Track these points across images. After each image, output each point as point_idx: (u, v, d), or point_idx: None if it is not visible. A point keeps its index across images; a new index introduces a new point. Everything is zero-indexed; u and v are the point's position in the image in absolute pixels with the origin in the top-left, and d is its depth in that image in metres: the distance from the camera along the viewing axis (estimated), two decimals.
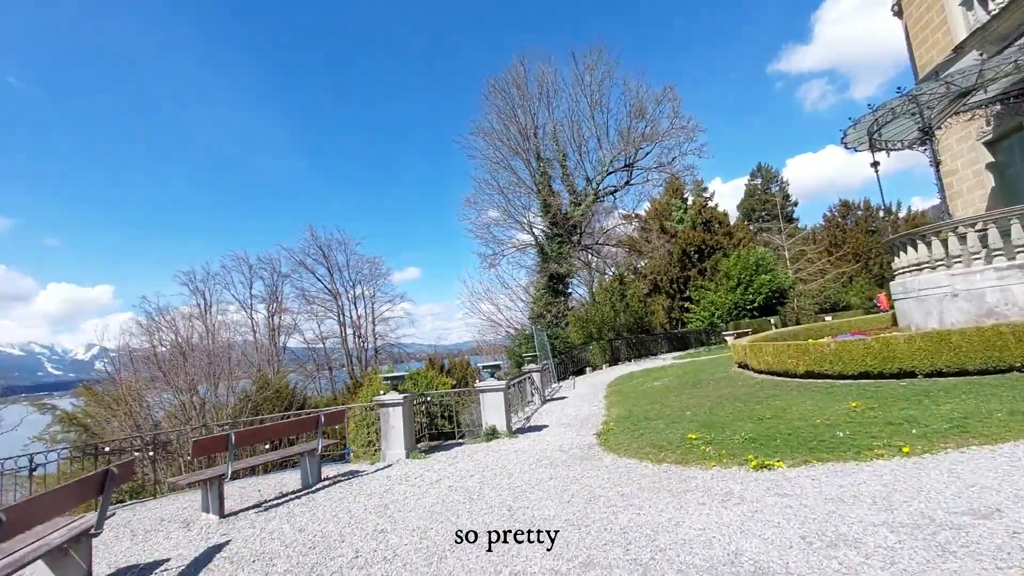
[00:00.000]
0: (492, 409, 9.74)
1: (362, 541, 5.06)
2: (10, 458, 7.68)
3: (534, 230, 27.70)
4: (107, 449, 8.33)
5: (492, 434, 9.48)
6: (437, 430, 11.14)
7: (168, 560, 5.18)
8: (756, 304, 31.41)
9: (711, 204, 41.90)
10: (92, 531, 4.53)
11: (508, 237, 29.06)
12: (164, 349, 17.77)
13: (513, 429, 10.02)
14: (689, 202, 41.83)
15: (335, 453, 10.70)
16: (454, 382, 15.09)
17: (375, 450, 10.75)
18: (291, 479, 8.52)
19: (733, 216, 47.46)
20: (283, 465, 11.12)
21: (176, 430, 12.09)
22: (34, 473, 7.24)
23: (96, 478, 4.51)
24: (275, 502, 7.04)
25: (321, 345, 35.00)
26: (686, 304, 34.76)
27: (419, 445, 9.83)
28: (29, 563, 3.95)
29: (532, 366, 14.20)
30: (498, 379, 10.02)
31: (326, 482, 7.89)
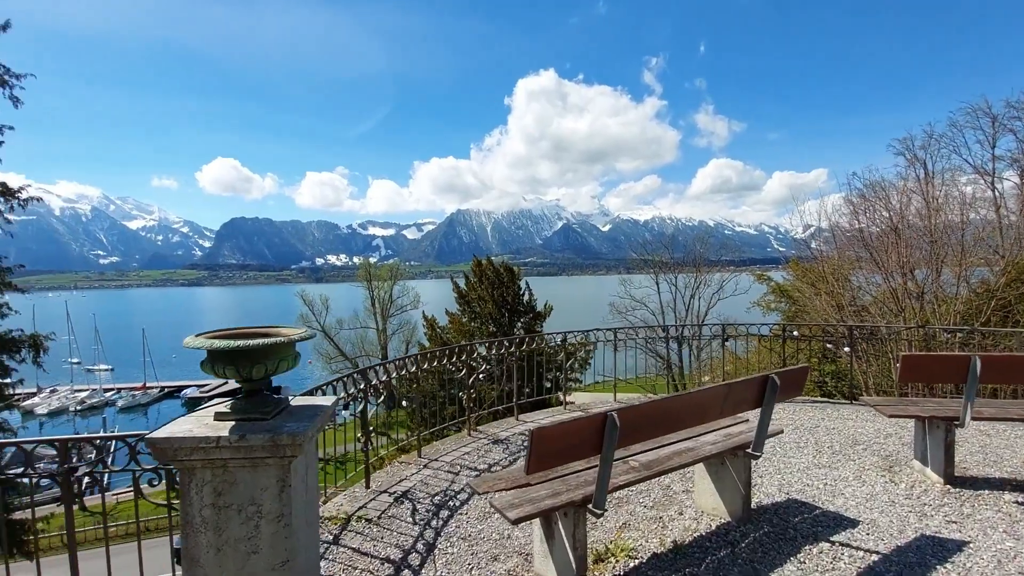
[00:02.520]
0: None
1: None
2: (716, 325, 8.06)
3: None
4: (795, 333, 7.28)
5: None
6: None
7: (856, 525, 3.37)
8: None
9: None
10: (750, 450, 3.29)
11: None
12: (873, 227, 15.51)
13: None
14: None
15: None
16: None
17: None
18: None
19: None
20: None
21: (886, 324, 9.87)
22: (729, 340, 7.16)
23: (754, 385, 3.17)
24: None
25: None
26: None
27: None
28: (681, 466, 3.12)
29: None
30: None
31: None
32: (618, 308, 29.66)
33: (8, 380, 13.88)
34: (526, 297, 20.79)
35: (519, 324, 20.91)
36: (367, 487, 4.21)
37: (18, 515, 10.36)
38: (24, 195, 13.38)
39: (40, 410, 52.07)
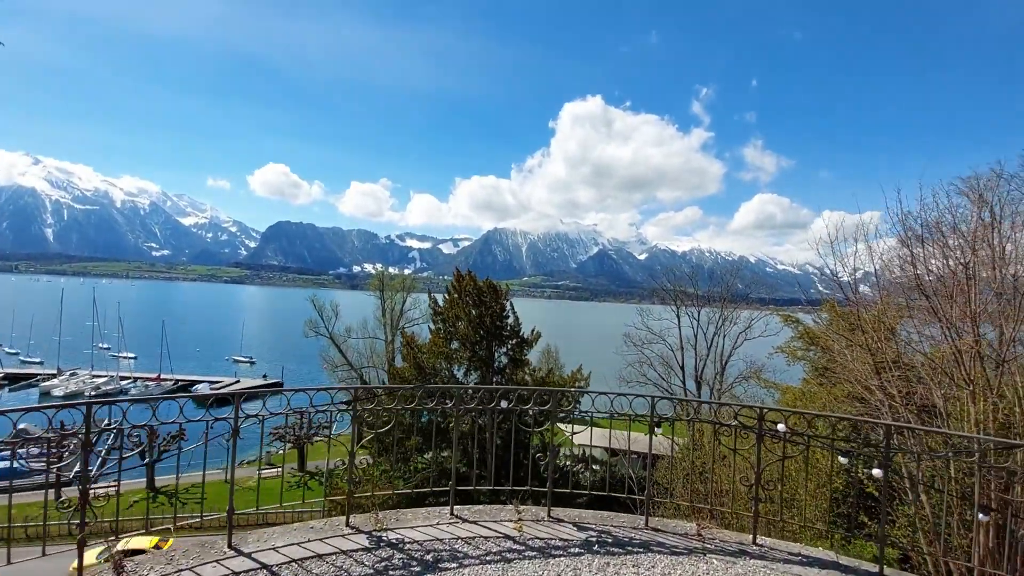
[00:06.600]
0: None
1: None
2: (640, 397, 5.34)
3: None
4: (780, 427, 4.18)
5: None
6: None
7: None
8: None
9: None
10: None
11: None
12: (929, 275, 12.42)
13: None
14: None
15: None
16: None
17: None
18: None
19: None
20: None
21: (944, 400, 6.92)
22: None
23: None
24: None
25: None
26: None
27: None
28: None
29: None
30: None
31: None
32: (633, 340, 26.91)
33: None
34: (510, 320, 18.24)
35: (502, 351, 18.39)
36: None
37: None
38: None
39: (56, 392, 52.42)
